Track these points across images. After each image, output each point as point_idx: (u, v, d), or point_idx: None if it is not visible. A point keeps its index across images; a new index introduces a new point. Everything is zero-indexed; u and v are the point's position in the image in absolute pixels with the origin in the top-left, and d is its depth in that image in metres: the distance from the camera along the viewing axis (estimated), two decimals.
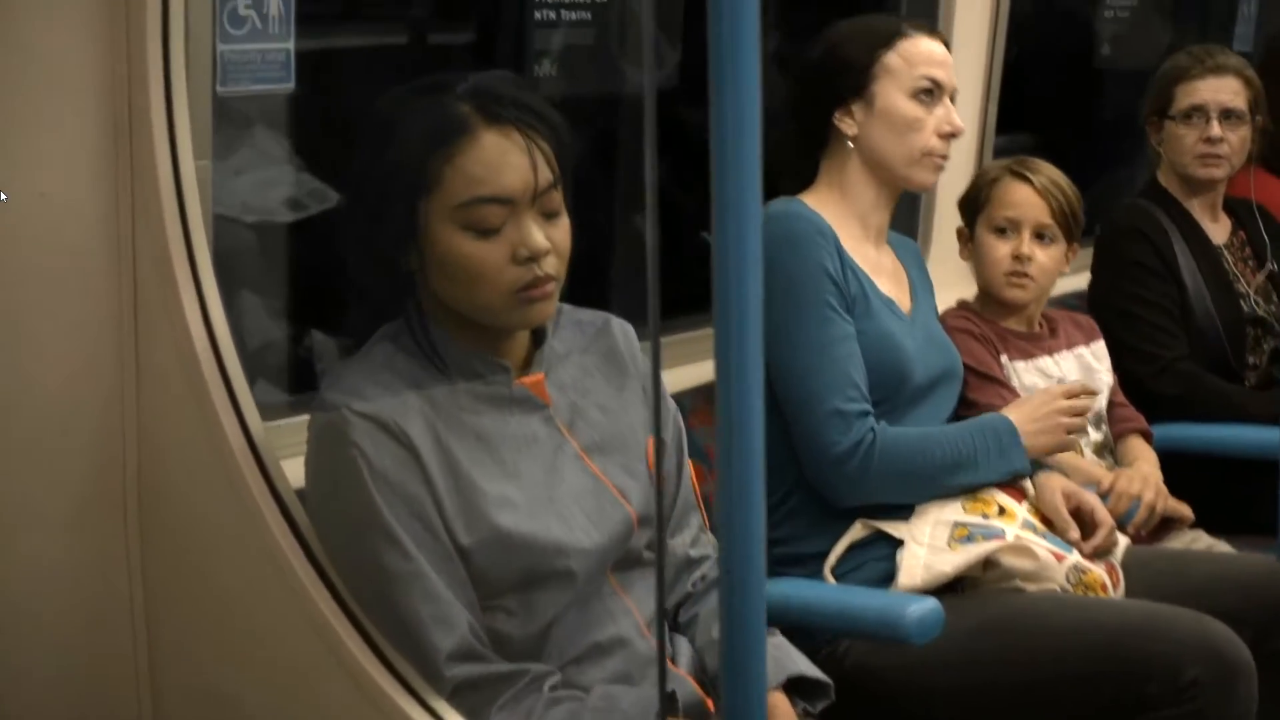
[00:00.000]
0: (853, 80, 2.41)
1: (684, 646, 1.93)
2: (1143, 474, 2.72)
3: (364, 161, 1.82)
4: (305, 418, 2.23)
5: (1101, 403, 2.87)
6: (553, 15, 2.65)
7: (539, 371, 1.87)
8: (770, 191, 2.41)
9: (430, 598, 1.73)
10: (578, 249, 1.84)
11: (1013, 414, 2.41)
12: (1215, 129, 3.15)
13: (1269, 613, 2.35)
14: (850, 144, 2.43)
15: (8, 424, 1.82)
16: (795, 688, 1.92)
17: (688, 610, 1.96)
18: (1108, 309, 3.12)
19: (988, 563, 2.31)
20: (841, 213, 2.43)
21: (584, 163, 1.91)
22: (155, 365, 1.88)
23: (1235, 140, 3.17)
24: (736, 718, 1.13)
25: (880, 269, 2.46)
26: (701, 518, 2.01)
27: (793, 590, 2.23)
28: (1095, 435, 2.86)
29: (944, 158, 2.44)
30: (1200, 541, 2.79)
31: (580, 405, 1.90)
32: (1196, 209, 3.25)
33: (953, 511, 2.36)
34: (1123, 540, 2.47)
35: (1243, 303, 3.21)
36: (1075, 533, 2.41)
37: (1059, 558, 2.33)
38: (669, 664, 1.89)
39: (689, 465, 2.02)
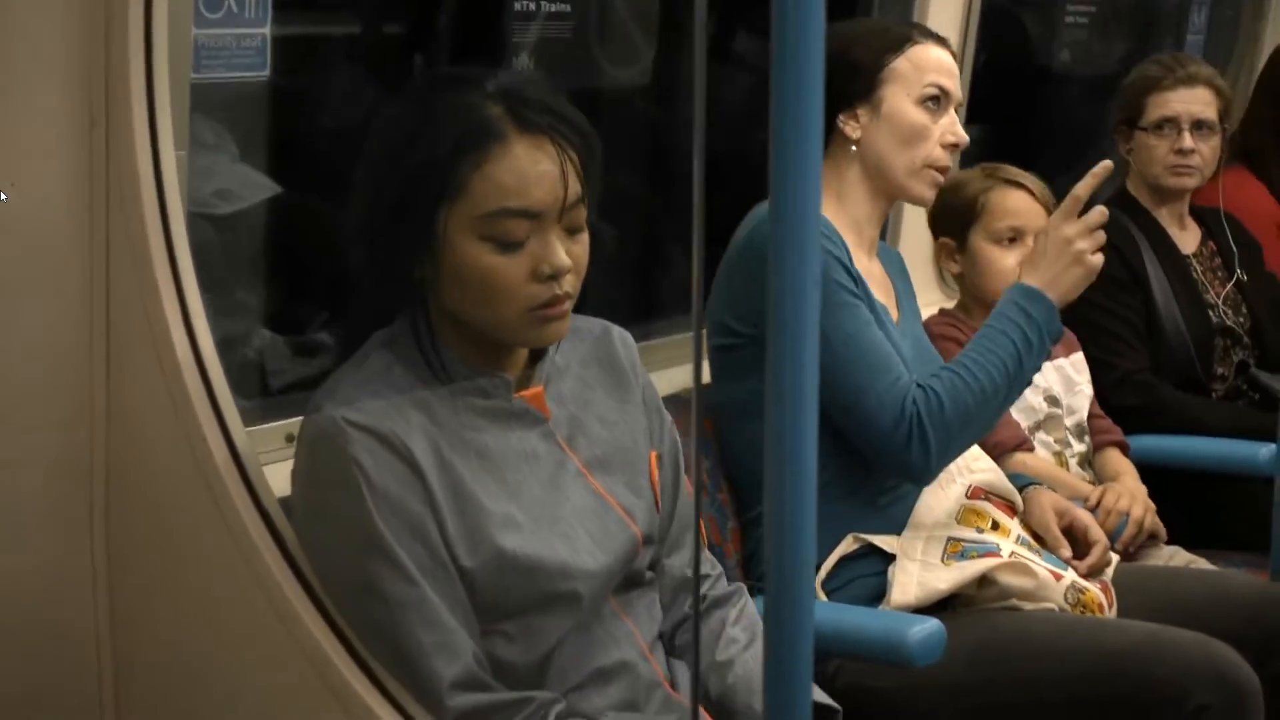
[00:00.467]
0: (861, 83, 2.34)
1: (682, 670, 1.85)
2: (1129, 489, 2.69)
3: (380, 158, 1.70)
4: (279, 424, 2.15)
5: (1084, 414, 2.84)
6: (532, 6, 2.56)
7: (538, 384, 1.78)
8: (762, 193, 2.34)
9: (433, 624, 1.62)
10: None
11: (1032, 276, 2.26)
12: (1187, 140, 3.13)
13: (1268, 635, 2.30)
14: (853, 147, 2.36)
15: None
16: None
17: (685, 633, 1.88)
18: (1072, 318, 3.08)
19: (983, 580, 2.25)
20: (839, 218, 2.37)
21: None
22: (130, 371, 1.76)
23: (1206, 151, 3.15)
24: None
25: (872, 277, 2.40)
26: (700, 534, 1.92)
27: None
28: (1079, 447, 2.82)
29: (944, 170, 2.38)
30: (1179, 558, 2.75)
31: (581, 419, 1.80)
32: (1165, 218, 3.23)
33: (945, 526, 2.30)
34: (1113, 558, 2.43)
35: (1211, 313, 3.19)
36: (1067, 550, 2.36)
37: (1057, 576, 2.27)
38: (668, 689, 1.81)
39: (685, 480, 1.94)
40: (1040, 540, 2.38)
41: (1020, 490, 2.43)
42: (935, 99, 2.37)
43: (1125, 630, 2.18)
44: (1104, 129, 4.51)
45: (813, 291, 1.34)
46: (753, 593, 1.97)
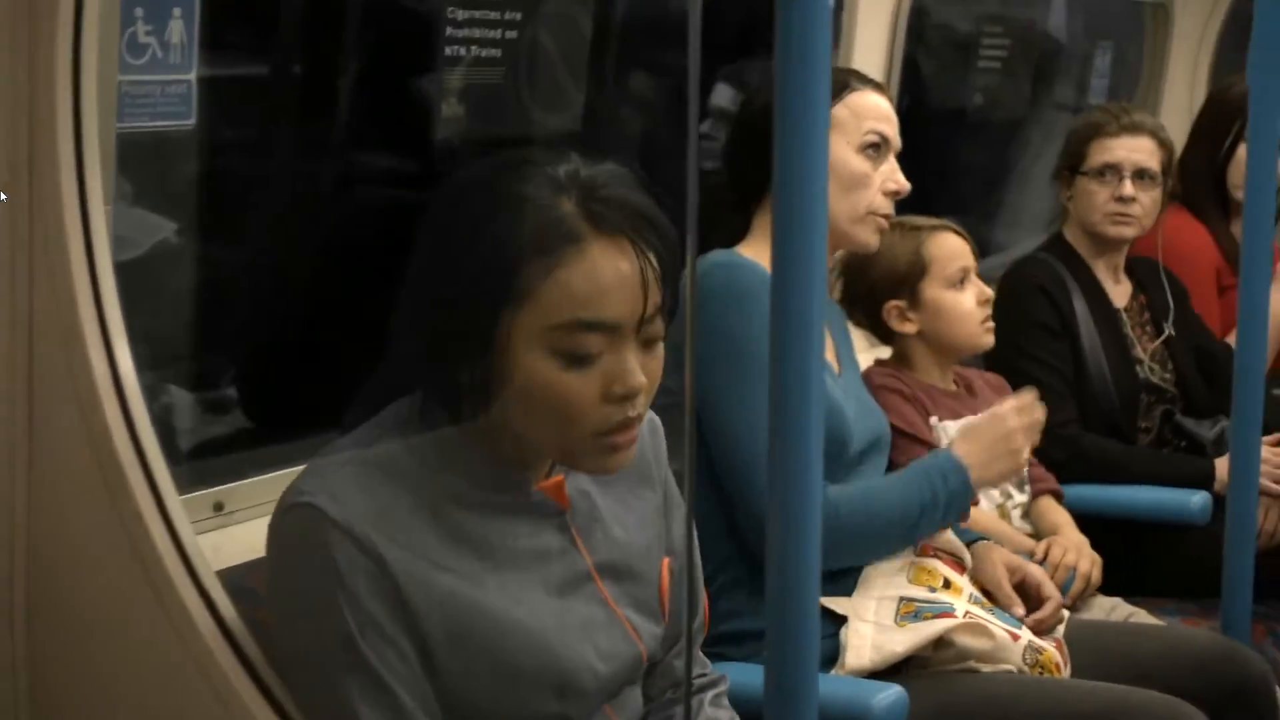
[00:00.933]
0: None
1: None
2: (1074, 542, 2.65)
3: (435, 251, 1.51)
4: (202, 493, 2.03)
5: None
6: (462, 51, 2.47)
7: (560, 472, 1.61)
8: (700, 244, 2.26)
9: None
10: None
11: (962, 449, 2.25)
12: (1128, 188, 3.11)
13: (1225, 692, 2.27)
14: None
15: None
16: None
17: (658, 715, 1.77)
18: (1001, 365, 3.05)
19: (940, 641, 2.19)
20: None
21: None
22: (54, 448, 1.63)
23: (1147, 201, 3.13)
24: None
25: None
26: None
27: (744, 678, 2.06)
28: (1020, 498, 2.78)
29: (887, 217, 2.33)
30: (1120, 610, 2.72)
31: (599, 515, 1.65)
32: (1100, 269, 3.21)
33: (898, 585, 2.23)
34: (1065, 614, 2.38)
35: (1139, 369, 3.16)
36: (1021, 609, 2.31)
37: (1014, 636, 2.22)
38: None
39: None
40: (991, 598, 2.33)
41: (967, 545, 2.38)
42: (875, 146, 2.33)
43: (1092, 692, 2.13)
44: (1007, 172, 4.55)
45: (817, 348, 1.29)
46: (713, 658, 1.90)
